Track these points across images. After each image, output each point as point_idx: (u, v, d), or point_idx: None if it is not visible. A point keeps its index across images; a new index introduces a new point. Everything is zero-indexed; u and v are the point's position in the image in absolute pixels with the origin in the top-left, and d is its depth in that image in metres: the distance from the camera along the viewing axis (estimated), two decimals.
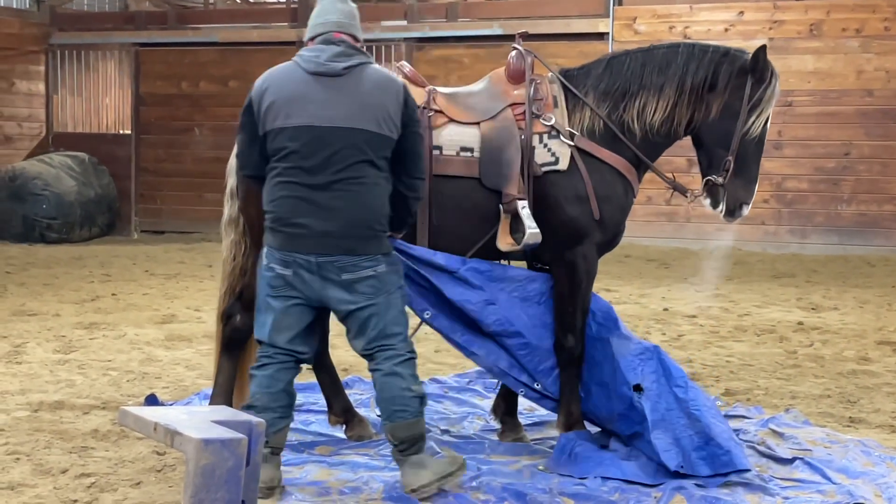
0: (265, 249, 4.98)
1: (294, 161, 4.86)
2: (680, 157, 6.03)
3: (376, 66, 5.02)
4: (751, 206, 5.72)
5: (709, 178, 5.68)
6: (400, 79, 5.07)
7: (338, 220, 4.83)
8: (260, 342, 5.03)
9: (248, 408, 4.88)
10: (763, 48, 5.59)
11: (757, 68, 5.59)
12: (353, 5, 5.14)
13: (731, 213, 5.71)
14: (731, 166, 5.61)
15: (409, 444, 4.93)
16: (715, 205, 5.71)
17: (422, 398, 4.95)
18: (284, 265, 4.88)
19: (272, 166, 4.92)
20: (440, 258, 5.50)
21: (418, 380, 4.98)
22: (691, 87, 5.62)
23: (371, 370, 4.99)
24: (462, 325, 5.59)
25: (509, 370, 5.64)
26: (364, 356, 5.02)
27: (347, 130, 4.83)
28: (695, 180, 5.86)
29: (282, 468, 5.11)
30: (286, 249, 4.87)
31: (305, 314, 4.97)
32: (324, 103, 4.86)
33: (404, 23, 16.84)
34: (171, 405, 6.29)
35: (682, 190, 5.85)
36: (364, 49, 5.07)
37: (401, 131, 4.94)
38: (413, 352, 5.00)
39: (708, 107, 5.62)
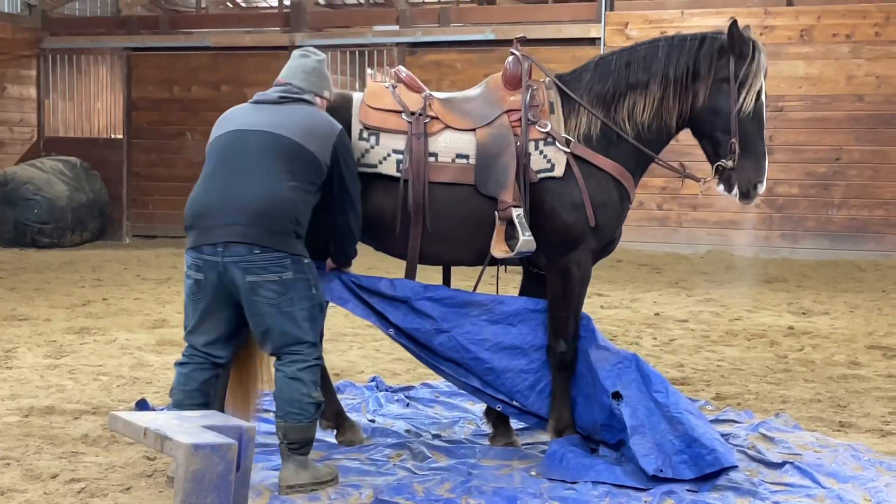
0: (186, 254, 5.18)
1: (212, 163, 5.15)
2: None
3: (314, 107, 5.29)
4: (765, 184, 5.67)
5: (718, 164, 5.66)
6: (336, 123, 5.27)
7: (246, 211, 4.97)
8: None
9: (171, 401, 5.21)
10: (734, 22, 5.56)
11: (735, 44, 5.57)
12: (317, 61, 5.41)
13: (747, 195, 5.66)
14: (736, 148, 5.58)
15: (299, 445, 5.10)
16: (729, 189, 5.65)
17: (319, 405, 5.12)
18: (196, 269, 5.07)
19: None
20: (392, 288, 5.57)
21: (318, 387, 5.14)
22: (675, 80, 5.61)
23: (275, 368, 5.15)
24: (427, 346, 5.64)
25: (483, 388, 5.68)
26: (271, 356, 5.22)
27: (268, 134, 5.09)
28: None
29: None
30: (197, 246, 5.05)
31: (224, 320, 5.13)
32: (253, 117, 5.18)
33: (396, 27, 16.85)
34: (161, 410, 6.28)
35: (692, 176, 5.84)
36: (321, 102, 5.39)
37: (329, 167, 5.14)
38: (319, 359, 5.18)
39: (695, 96, 5.61)
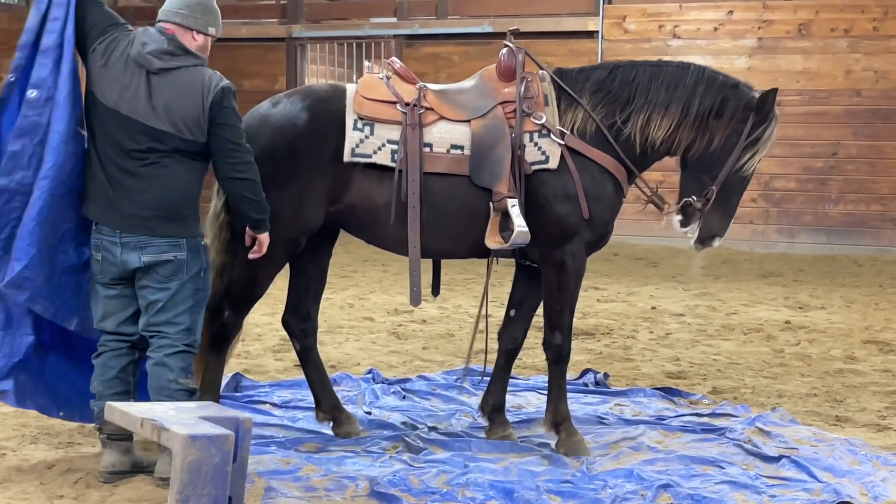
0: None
1: (104, 143, 4.96)
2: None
3: (198, 68, 5.01)
4: (722, 239, 5.79)
5: (688, 199, 5.70)
6: (217, 80, 4.99)
7: (143, 203, 4.91)
8: (98, 330, 5.13)
9: (91, 395, 5.10)
10: (774, 91, 5.63)
11: (763, 108, 5.63)
12: None
13: (702, 241, 5.79)
14: (713, 196, 5.65)
15: None
16: (684, 224, 5.75)
17: (191, 392, 5.01)
18: (96, 249, 5.01)
19: (89, 138, 5.02)
20: None
21: (189, 373, 5.03)
22: (697, 112, 5.62)
23: (146, 356, 5.08)
24: None
25: None
26: (144, 336, 5.08)
27: (146, 127, 4.91)
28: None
29: (137, 453, 5.18)
30: (97, 227, 4.98)
31: (129, 299, 5.06)
32: (133, 93, 4.93)
33: (394, 19, 16.82)
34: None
35: (658, 203, 5.86)
36: (186, 35, 5.04)
37: (206, 135, 4.98)
38: (190, 346, 5.05)
39: (711, 135, 5.63)
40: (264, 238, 5.24)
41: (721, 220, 5.74)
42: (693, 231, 5.74)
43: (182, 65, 4.98)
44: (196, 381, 5.15)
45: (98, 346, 5.13)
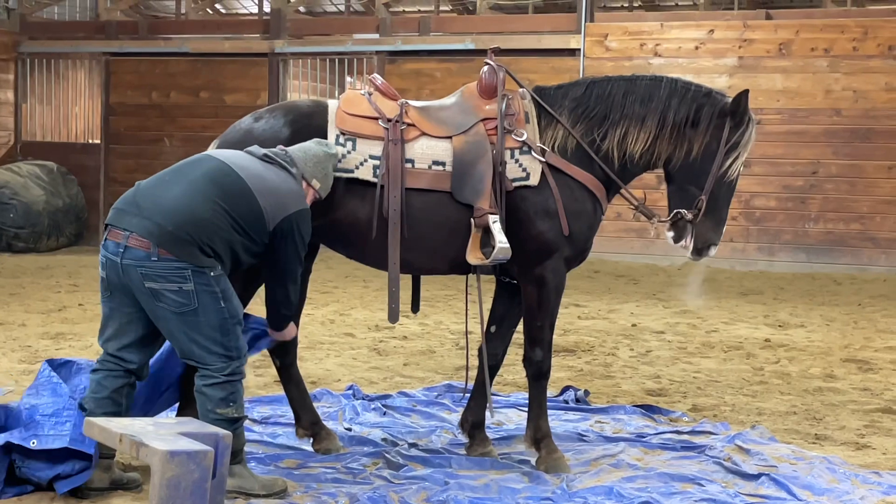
0: None
1: (164, 171, 5.17)
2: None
3: (294, 182, 5.19)
4: (718, 247, 5.80)
5: (678, 211, 5.72)
6: (304, 205, 5.16)
7: (160, 209, 4.89)
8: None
9: (80, 407, 5.04)
10: (746, 93, 5.64)
11: (738, 112, 5.65)
12: (325, 153, 5.33)
13: (699, 252, 5.79)
14: (703, 206, 5.67)
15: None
16: (677, 239, 5.77)
17: (231, 421, 4.96)
18: (102, 267, 4.99)
19: None
20: None
21: (230, 402, 4.98)
22: (673, 123, 5.65)
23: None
24: None
25: None
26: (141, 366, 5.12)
27: (225, 167, 5.03)
28: (663, 197, 5.89)
29: (117, 470, 5.16)
30: (104, 241, 4.97)
31: (134, 322, 5.01)
32: (228, 153, 5.19)
33: (376, 36, 16.86)
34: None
35: (647, 214, 5.87)
36: (307, 188, 5.27)
37: (273, 234, 5.05)
38: (232, 375, 4.98)
39: (689, 144, 5.66)
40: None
41: (714, 229, 5.75)
42: (688, 244, 5.76)
43: (285, 167, 5.21)
44: (240, 408, 5.06)
45: (97, 361, 5.10)
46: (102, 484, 5.08)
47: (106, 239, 4.98)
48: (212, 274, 4.92)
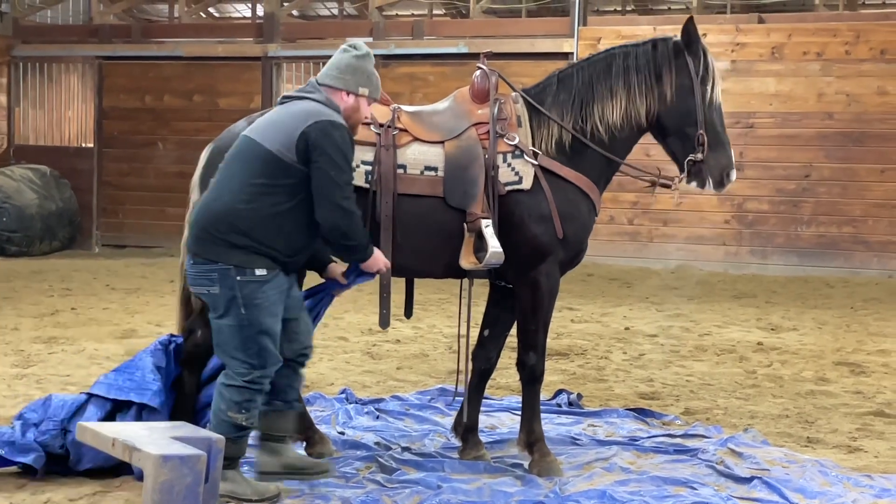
0: None
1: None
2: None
3: (314, 102, 5.13)
4: (735, 169, 5.84)
5: (689, 158, 5.75)
6: (324, 117, 5.03)
7: (197, 221, 5.06)
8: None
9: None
10: (690, 20, 5.74)
11: (692, 42, 5.73)
12: (353, 57, 5.28)
13: (721, 183, 5.80)
14: (705, 140, 5.71)
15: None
16: (702, 184, 5.80)
17: (237, 427, 4.98)
18: None
19: None
20: None
21: (242, 408, 4.98)
22: (639, 83, 5.73)
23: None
24: None
25: None
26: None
27: (249, 140, 5.08)
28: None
29: (290, 455, 5.41)
30: None
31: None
32: (258, 121, 5.22)
33: (370, 39, 16.86)
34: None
35: (665, 183, 5.89)
36: (337, 95, 5.21)
37: (296, 162, 5.00)
38: (251, 382, 5.00)
39: (661, 90, 5.74)
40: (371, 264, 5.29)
41: (724, 155, 5.78)
42: (710, 184, 5.78)
43: (303, 96, 5.17)
44: (251, 419, 5.05)
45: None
46: (272, 468, 5.24)
47: None
48: (238, 278, 4.95)
